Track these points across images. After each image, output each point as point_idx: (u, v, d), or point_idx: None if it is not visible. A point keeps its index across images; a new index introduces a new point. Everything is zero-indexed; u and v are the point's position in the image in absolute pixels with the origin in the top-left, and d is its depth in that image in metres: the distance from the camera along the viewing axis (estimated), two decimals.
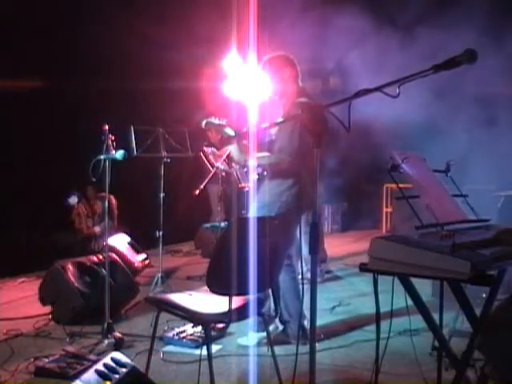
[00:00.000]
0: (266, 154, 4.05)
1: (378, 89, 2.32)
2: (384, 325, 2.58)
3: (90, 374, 2.80)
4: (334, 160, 7.13)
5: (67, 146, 7.60)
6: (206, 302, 3.09)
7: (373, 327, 2.55)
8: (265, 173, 4.14)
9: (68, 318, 4.60)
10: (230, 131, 4.10)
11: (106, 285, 4.27)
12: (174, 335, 4.18)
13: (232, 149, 4.22)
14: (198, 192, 6.52)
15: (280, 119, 4.07)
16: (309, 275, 2.56)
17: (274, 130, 4.08)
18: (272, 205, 4.00)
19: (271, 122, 3.95)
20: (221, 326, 4.19)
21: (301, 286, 3.88)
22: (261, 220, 3.07)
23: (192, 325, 4.27)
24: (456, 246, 2.19)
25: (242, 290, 2.94)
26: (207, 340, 2.99)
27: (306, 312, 3.80)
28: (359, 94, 2.36)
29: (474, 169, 5.33)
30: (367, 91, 2.35)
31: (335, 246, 9.23)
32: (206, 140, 7.37)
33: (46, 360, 3.68)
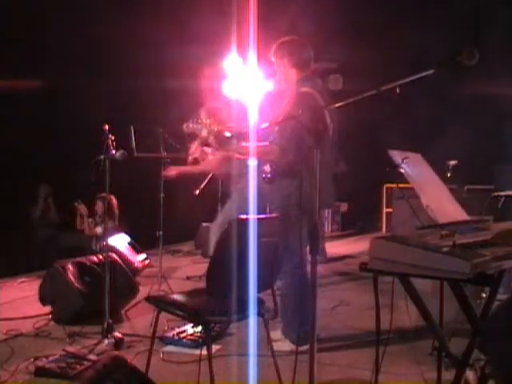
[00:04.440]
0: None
1: (378, 90, 2.32)
2: (384, 325, 2.58)
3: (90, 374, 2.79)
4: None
5: (67, 146, 7.61)
6: (206, 301, 3.09)
7: (373, 327, 2.55)
8: (269, 175, 4.11)
9: (68, 317, 4.59)
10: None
11: (106, 285, 4.26)
12: (173, 335, 4.17)
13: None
14: (197, 192, 6.52)
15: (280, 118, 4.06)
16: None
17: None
18: (285, 207, 3.96)
19: (271, 122, 3.94)
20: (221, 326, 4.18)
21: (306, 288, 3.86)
22: (261, 220, 3.07)
23: (192, 325, 4.27)
24: (456, 246, 2.19)
25: (242, 291, 2.94)
26: (207, 340, 3.00)
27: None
28: (358, 95, 2.36)
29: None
30: (366, 92, 2.36)
31: (335, 246, 9.24)
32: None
33: (46, 360, 3.69)
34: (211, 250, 5.38)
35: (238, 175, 5.33)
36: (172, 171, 5.56)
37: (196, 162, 5.77)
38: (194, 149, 5.68)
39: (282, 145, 3.88)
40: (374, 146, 8.04)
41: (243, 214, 5.31)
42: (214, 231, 5.45)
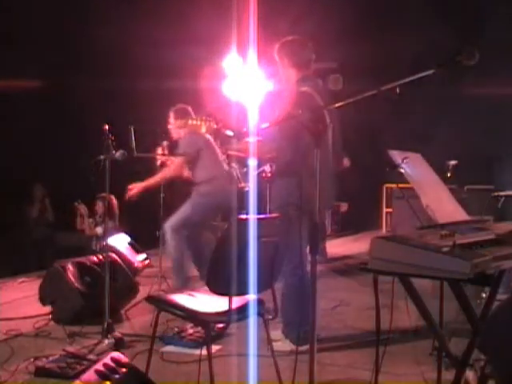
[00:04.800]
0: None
1: (378, 90, 2.32)
2: (384, 325, 2.58)
3: (90, 374, 2.79)
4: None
5: (67, 146, 7.61)
6: (205, 301, 3.09)
7: (373, 327, 2.55)
8: (269, 174, 4.11)
9: (68, 318, 4.59)
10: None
11: (106, 285, 4.26)
12: (173, 335, 4.18)
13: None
14: None
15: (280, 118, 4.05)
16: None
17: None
18: (285, 206, 3.95)
19: (271, 122, 3.93)
20: (221, 325, 4.18)
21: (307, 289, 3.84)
22: (261, 220, 3.07)
23: (192, 325, 4.27)
24: (456, 246, 2.19)
25: (242, 290, 2.94)
26: (207, 340, 2.99)
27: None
28: (358, 95, 2.36)
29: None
30: (366, 92, 2.36)
31: (335, 246, 9.24)
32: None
33: (46, 360, 3.68)
34: (169, 249, 5.43)
35: (205, 181, 5.38)
36: (133, 190, 5.49)
37: (163, 165, 5.78)
38: (161, 151, 5.70)
39: (282, 144, 3.88)
40: (374, 145, 8.05)
41: (200, 217, 5.46)
42: (166, 231, 5.44)
